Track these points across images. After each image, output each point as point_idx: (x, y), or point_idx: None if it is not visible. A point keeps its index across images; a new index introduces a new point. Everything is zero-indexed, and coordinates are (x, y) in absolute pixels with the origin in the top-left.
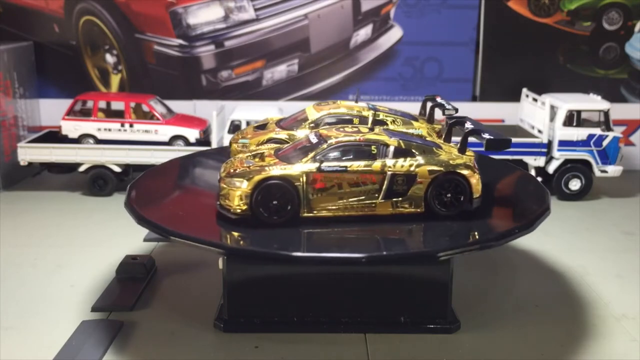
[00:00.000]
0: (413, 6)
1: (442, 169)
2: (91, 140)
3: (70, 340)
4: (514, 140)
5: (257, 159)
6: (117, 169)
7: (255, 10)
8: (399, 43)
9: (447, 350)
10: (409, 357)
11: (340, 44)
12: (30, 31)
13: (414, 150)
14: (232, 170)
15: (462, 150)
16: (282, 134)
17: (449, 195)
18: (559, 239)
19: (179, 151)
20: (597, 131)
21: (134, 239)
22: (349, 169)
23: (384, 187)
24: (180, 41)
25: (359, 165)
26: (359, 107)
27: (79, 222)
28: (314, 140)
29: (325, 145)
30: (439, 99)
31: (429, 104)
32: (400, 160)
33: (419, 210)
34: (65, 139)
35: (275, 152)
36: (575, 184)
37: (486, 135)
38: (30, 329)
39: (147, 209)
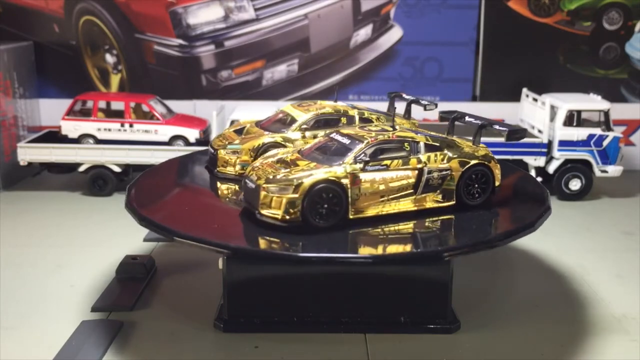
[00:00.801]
0: (413, 6)
1: (471, 161)
2: (91, 140)
3: (70, 340)
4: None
5: (281, 164)
6: (117, 169)
7: (255, 10)
8: (399, 43)
9: (447, 350)
10: (409, 357)
11: (340, 44)
12: (30, 31)
13: (440, 145)
14: (271, 177)
15: (477, 142)
16: (277, 137)
17: (476, 185)
18: (559, 239)
19: (179, 151)
20: (597, 131)
21: (134, 239)
22: (390, 166)
23: (422, 182)
24: (180, 41)
25: (398, 162)
26: (344, 106)
27: (79, 222)
28: (345, 140)
29: (363, 145)
30: (405, 95)
31: (397, 101)
32: (432, 155)
33: (451, 202)
34: (65, 139)
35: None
36: (575, 184)
37: (503, 127)
38: (30, 329)
39: (177, 223)
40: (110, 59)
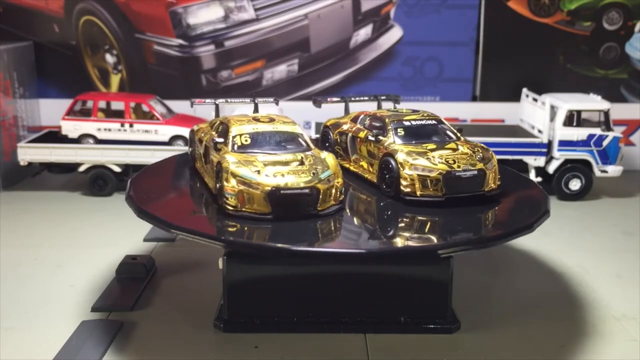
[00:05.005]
0: (413, 6)
1: None
2: (91, 140)
3: (70, 340)
4: (514, 140)
5: (432, 151)
6: (117, 169)
7: (255, 10)
8: (399, 43)
9: (447, 350)
10: (409, 357)
11: (340, 44)
12: (30, 31)
13: None
14: (474, 159)
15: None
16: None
17: None
18: (559, 239)
19: (179, 151)
20: (597, 131)
21: (134, 239)
22: None
23: None
24: (180, 41)
25: None
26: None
27: (79, 222)
28: (430, 122)
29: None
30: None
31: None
32: None
33: None
34: (65, 139)
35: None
36: (575, 184)
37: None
38: (30, 329)
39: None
40: (110, 59)
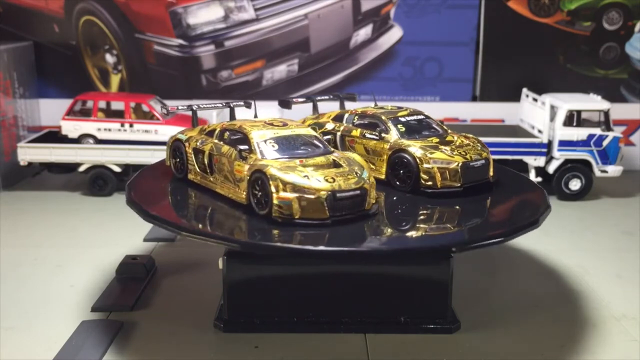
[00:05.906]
0: (413, 6)
1: None
2: (91, 140)
3: (70, 340)
4: (514, 140)
5: (445, 145)
6: (117, 169)
7: (255, 10)
8: (399, 43)
9: (447, 350)
10: (409, 357)
11: (340, 44)
12: (30, 31)
13: None
14: (477, 150)
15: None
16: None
17: None
18: (559, 239)
19: None
20: (597, 131)
21: (134, 239)
22: None
23: None
24: (180, 41)
25: None
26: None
27: (79, 222)
28: (420, 117)
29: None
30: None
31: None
32: None
33: None
34: (65, 139)
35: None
36: (575, 184)
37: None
38: (30, 329)
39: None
40: (110, 59)
